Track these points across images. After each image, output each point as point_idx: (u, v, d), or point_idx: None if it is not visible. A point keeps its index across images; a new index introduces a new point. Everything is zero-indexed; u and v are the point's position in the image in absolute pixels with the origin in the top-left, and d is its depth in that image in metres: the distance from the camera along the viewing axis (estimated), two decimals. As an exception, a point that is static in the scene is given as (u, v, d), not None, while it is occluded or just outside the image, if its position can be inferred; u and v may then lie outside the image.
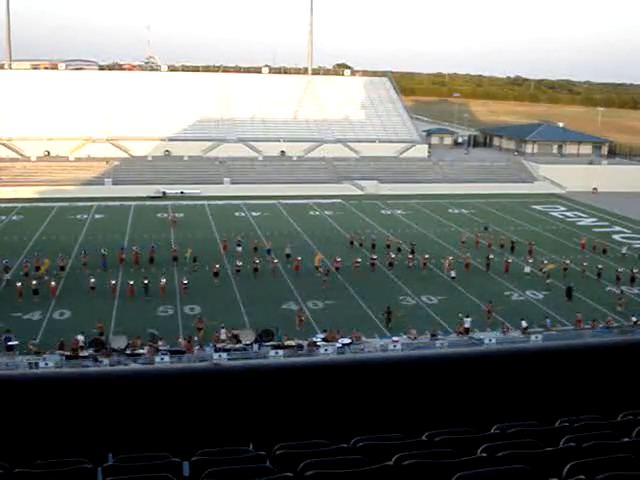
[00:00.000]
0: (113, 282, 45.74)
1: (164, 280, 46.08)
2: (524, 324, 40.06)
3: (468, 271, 51.01)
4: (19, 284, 44.63)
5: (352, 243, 57.44)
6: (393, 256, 52.99)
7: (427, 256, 52.88)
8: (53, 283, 45.42)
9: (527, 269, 51.00)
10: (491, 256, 52.89)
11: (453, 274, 49.98)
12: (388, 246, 55.86)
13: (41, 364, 33.57)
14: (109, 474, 4.46)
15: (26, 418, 1.81)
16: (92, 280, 45.55)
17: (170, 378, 1.87)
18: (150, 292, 44.75)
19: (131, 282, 45.33)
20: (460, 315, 40.51)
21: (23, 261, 49.94)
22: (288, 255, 52.80)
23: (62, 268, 49.21)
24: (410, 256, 53.15)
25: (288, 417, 1.90)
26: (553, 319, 41.50)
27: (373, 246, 55.90)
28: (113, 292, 44.76)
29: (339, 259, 50.98)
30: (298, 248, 54.85)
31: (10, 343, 35.64)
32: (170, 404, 1.84)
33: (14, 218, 67.99)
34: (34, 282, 44.79)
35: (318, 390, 1.89)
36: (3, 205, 71.89)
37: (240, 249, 53.79)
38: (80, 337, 36.38)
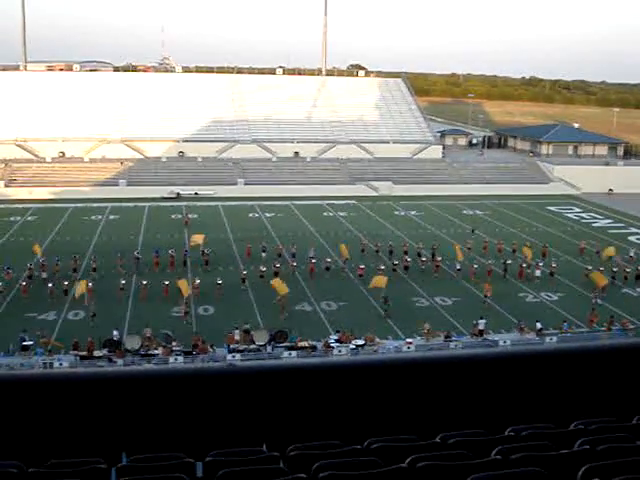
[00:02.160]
0: (144, 282, 45.86)
1: (198, 281, 46.34)
2: (539, 326, 39.90)
3: (490, 276, 49.23)
4: (50, 284, 44.92)
5: (363, 251, 55.45)
6: (409, 260, 52.14)
7: (440, 258, 52.63)
8: (90, 284, 45.29)
9: (538, 273, 50.37)
10: (509, 261, 51.79)
11: (458, 266, 50.70)
12: (406, 252, 53.80)
13: (55, 364, 33.74)
14: (123, 474, 4.48)
15: (41, 417, 1.82)
16: (123, 282, 45.83)
17: (184, 378, 1.87)
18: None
19: (166, 282, 45.44)
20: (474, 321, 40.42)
21: (54, 261, 49.83)
22: (312, 258, 52.23)
23: (94, 269, 49.14)
24: (426, 259, 52.83)
25: (302, 418, 1.90)
26: (570, 322, 41.30)
27: (391, 252, 54.22)
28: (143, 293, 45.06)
29: (362, 266, 49.69)
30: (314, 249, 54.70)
31: (25, 343, 35.82)
32: (184, 404, 1.84)
33: (29, 219, 68.36)
34: (65, 283, 45.08)
35: (332, 391, 1.89)
36: (18, 206, 72.37)
37: (265, 255, 52.81)
38: (115, 332, 37.02)
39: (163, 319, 40.54)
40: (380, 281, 45.08)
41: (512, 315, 42.53)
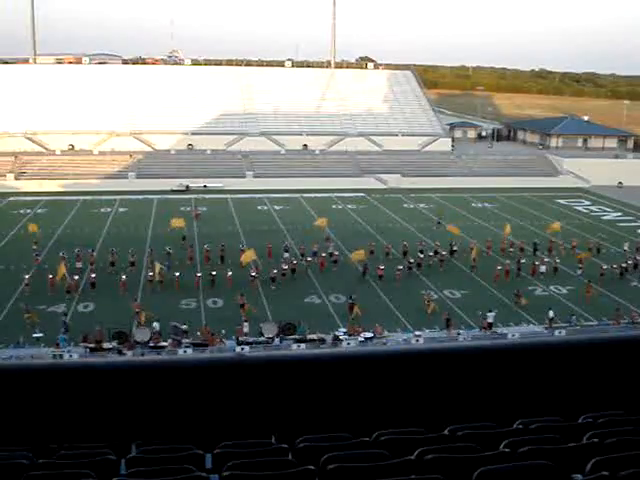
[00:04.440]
0: (177, 273, 46.17)
1: (230, 273, 46.36)
2: (551, 314, 39.73)
3: (507, 280, 48.19)
4: (76, 277, 45.16)
5: (372, 252, 52.41)
6: (422, 256, 51.25)
7: (444, 253, 52.36)
8: (124, 277, 45.55)
9: (543, 268, 49.82)
10: (522, 260, 50.61)
11: (473, 263, 50.22)
12: (421, 252, 52.20)
13: (65, 356, 33.87)
14: (132, 465, 4.50)
15: (50, 408, 1.83)
16: (150, 274, 45.96)
17: (193, 368, 1.88)
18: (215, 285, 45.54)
19: (199, 274, 46.15)
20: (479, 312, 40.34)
21: (89, 252, 50.20)
22: (331, 254, 51.77)
23: (132, 264, 48.84)
24: (443, 257, 51.94)
25: (310, 409, 1.90)
26: (579, 315, 41.20)
27: (405, 253, 52.14)
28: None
29: (382, 267, 48.02)
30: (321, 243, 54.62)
31: (35, 335, 35.98)
32: (193, 395, 1.85)
33: (39, 211, 68.61)
34: (93, 275, 45.33)
35: (341, 382, 1.89)
36: (28, 198, 72.65)
37: (287, 255, 51.37)
38: (156, 324, 37.31)
39: (173, 311, 40.63)
40: (358, 255, 48.53)
41: (521, 308, 42.45)
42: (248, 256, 48.53)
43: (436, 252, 52.75)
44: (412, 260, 50.24)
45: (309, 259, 50.78)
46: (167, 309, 40.76)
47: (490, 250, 54.11)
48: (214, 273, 46.26)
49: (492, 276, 47.73)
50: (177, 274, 46.08)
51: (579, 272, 48.41)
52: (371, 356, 2.19)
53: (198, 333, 36.96)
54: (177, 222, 56.53)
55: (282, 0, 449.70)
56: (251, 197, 76.29)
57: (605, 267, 49.34)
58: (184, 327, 37.00)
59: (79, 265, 48.01)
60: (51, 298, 42.78)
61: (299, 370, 2.06)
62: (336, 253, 51.62)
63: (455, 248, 53.66)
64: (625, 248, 56.25)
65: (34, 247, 51.69)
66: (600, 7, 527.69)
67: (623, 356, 2.32)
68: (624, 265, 50.08)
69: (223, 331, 37.32)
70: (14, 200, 72.40)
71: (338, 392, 2.10)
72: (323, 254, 50.99)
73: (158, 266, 45.75)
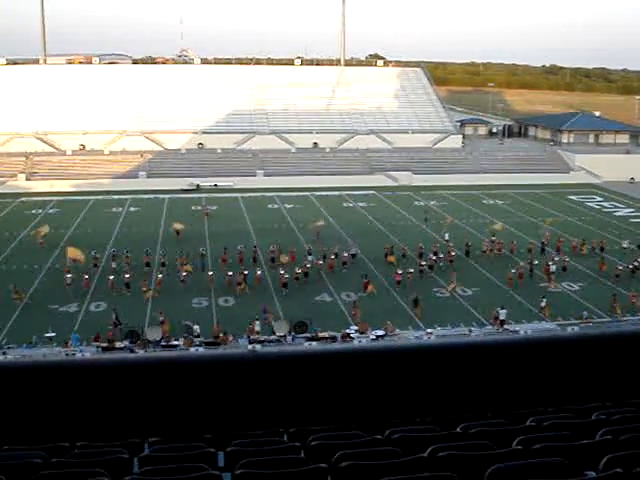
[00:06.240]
0: (210, 273, 46.42)
1: (259, 272, 46.61)
2: (503, 315, 39.27)
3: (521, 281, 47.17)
4: (112, 277, 45.23)
5: (404, 256, 51.46)
6: (434, 258, 50.73)
7: (453, 253, 51.87)
8: (160, 275, 45.96)
9: (553, 268, 49.14)
10: (535, 262, 49.59)
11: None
12: (435, 253, 51.59)
13: (77, 355, 34.00)
14: (145, 464, 4.51)
15: (63, 406, 1.84)
16: (183, 274, 45.84)
17: (204, 365, 1.88)
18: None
19: (229, 273, 45.98)
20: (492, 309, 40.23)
21: (124, 252, 50.41)
22: (354, 255, 51.60)
23: (163, 264, 48.81)
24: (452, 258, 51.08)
25: (321, 404, 1.90)
26: (589, 311, 41.04)
27: (421, 255, 51.48)
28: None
29: (400, 272, 46.55)
30: (327, 239, 54.54)
31: (47, 335, 36.10)
32: (205, 391, 1.85)
33: (50, 211, 68.89)
34: (127, 276, 45.28)
35: (351, 377, 1.89)
36: (40, 199, 72.99)
37: (311, 257, 50.43)
38: (196, 327, 37.12)
39: (185, 310, 40.69)
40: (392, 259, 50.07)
41: (533, 305, 42.30)
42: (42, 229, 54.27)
43: (449, 252, 51.84)
44: (424, 263, 49.54)
45: (320, 262, 49.83)
46: (178, 308, 40.82)
47: (502, 247, 53.79)
48: (246, 272, 46.05)
49: (505, 278, 47.22)
50: (210, 273, 46.28)
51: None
52: (381, 352, 2.18)
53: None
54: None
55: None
56: (262, 196, 76.36)
57: (621, 267, 48.55)
58: (196, 327, 37.05)
59: (114, 265, 48.09)
60: (64, 298, 42.95)
61: (310, 366, 2.06)
62: (345, 255, 50.96)
63: (469, 248, 53.20)
64: (624, 245, 55.29)
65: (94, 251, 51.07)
66: (611, 3, 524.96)
67: (636, 351, 2.31)
68: (636, 263, 49.39)
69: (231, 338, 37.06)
70: (25, 200, 72.72)
71: (348, 387, 2.10)
72: (332, 256, 50.14)
73: (189, 267, 46.84)
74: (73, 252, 48.88)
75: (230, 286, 44.78)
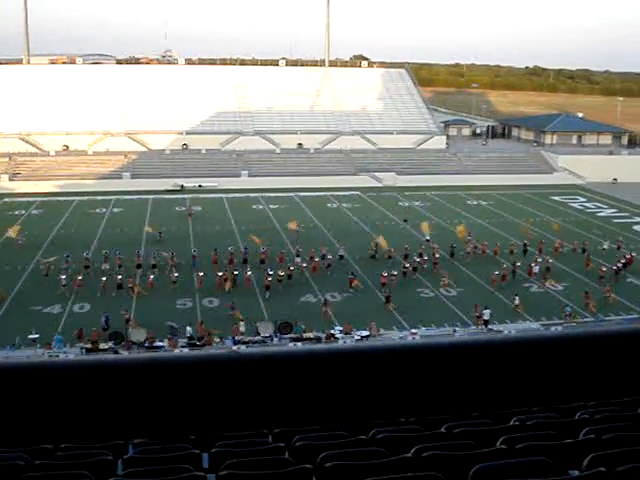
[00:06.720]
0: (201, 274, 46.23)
1: (250, 272, 46.49)
2: (487, 315, 39.26)
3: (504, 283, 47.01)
4: (104, 278, 44.77)
5: (407, 256, 51.12)
6: (418, 260, 50.14)
7: (438, 255, 51.91)
8: (152, 277, 45.63)
9: (536, 269, 49.15)
10: (518, 263, 49.29)
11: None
12: (420, 255, 50.94)
13: (61, 357, 33.82)
14: (129, 466, 4.49)
15: (47, 408, 1.82)
16: (175, 275, 45.68)
17: (186, 366, 1.87)
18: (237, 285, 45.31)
19: (220, 273, 45.94)
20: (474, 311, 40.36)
21: (115, 254, 49.81)
22: (341, 257, 51.53)
23: (154, 266, 48.06)
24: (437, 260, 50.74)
25: (306, 405, 1.90)
26: (574, 312, 41.21)
27: (406, 256, 50.82)
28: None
29: (385, 274, 46.01)
30: (312, 241, 54.55)
31: (31, 336, 35.87)
32: (187, 392, 1.84)
33: (34, 212, 68.45)
34: (119, 277, 44.93)
35: (336, 378, 1.89)
36: (23, 199, 72.52)
37: (299, 260, 50.05)
38: (188, 328, 36.99)
39: (169, 311, 40.59)
40: (383, 243, 51.89)
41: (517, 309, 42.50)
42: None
43: (434, 254, 51.42)
44: (407, 265, 49.15)
45: (306, 264, 49.52)
46: (162, 309, 40.71)
47: (485, 248, 53.89)
48: (236, 272, 46.22)
49: (489, 279, 47.19)
50: (201, 274, 46.07)
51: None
52: (366, 352, 2.18)
53: (189, 327, 36.93)
54: (148, 229, 57.79)
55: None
56: (246, 196, 76.21)
57: (605, 269, 48.36)
58: (189, 329, 36.91)
59: (107, 267, 47.66)
60: (47, 299, 42.71)
61: (294, 366, 2.05)
62: (329, 257, 50.69)
63: (454, 249, 53.20)
64: (604, 247, 55.05)
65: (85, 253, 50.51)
66: (594, 5, 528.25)
67: (620, 351, 2.32)
68: (619, 264, 49.56)
69: (217, 339, 37.06)
70: (8, 201, 72.25)
71: (333, 388, 2.09)
72: (316, 258, 49.91)
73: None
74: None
75: (220, 287, 44.70)
